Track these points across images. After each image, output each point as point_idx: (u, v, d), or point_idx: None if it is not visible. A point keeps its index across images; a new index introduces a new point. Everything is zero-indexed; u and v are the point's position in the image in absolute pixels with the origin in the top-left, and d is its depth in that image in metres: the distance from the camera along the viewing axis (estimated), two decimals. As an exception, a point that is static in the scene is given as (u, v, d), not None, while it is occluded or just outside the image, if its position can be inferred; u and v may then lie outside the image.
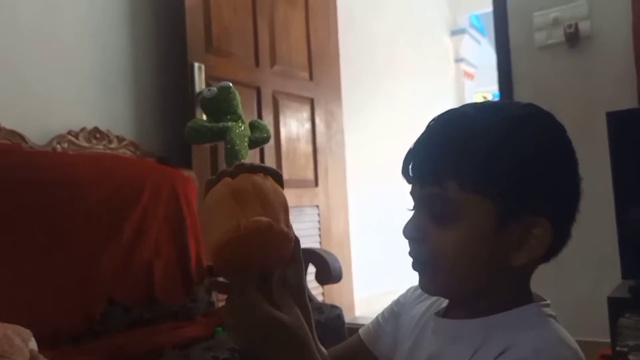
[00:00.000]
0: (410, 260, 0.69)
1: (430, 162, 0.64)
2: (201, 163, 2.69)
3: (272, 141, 3.08)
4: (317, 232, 3.39)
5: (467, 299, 0.68)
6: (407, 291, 0.84)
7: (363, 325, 0.89)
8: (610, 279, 2.30)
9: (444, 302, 0.74)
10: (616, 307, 2.07)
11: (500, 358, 0.58)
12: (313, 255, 2.17)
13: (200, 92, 0.82)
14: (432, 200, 0.64)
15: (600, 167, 2.36)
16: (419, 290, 0.82)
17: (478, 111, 0.65)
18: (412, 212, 0.68)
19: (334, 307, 2.07)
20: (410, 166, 0.67)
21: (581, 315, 2.50)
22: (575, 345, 0.61)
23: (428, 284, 0.69)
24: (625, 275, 2.18)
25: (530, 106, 0.67)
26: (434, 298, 0.77)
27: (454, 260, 0.63)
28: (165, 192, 2.29)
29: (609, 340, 2.12)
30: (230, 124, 0.72)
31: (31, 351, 1.27)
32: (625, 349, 1.98)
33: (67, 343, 1.67)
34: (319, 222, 3.40)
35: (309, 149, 3.35)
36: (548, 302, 0.68)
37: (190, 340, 1.71)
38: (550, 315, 0.66)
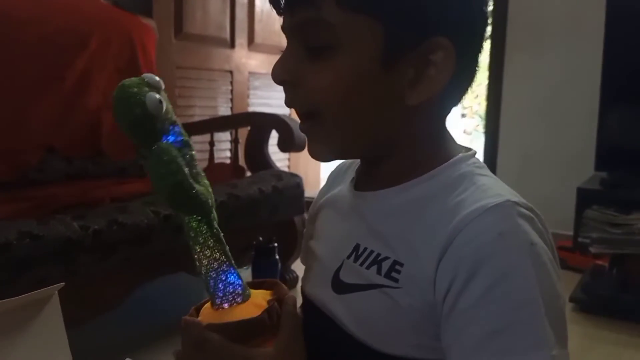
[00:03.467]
0: None
1: None
2: (163, 11, 2.44)
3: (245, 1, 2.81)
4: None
5: (372, 160, 0.55)
6: (327, 177, 0.70)
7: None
8: (583, 173, 2.25)
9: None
10: (585, 198, 2.04)
11: (454, 246, 0.45)
12: (276, 121, 2.02)
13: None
14: (305, 28, 0.50)
15: (591, 59, 2.28)
16: (337, 169, 0.69)
17: None
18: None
19: (293, 176, 1.97)
20: None
21: (548, 208, 2.49)
22: (528, 205, 0.48)
23: (317, 145, 0.55)
24: (599, 167, 2.13)
25: None
26: (347, 177, 0.63)
27: (338, 102, 0.50)
28: (118, 40, 2.06)
29: (570, 233, 2.11)
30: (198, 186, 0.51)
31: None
32: (588, 241, 1.97)
33: (-4, 188, 1.54)
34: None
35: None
36: (472, 150, 0.55)
37: (134, 195, 1.60)
38: (481, 168, 0.53)
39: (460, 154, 0.53)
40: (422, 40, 0.48)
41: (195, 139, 2.15)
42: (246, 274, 1.63)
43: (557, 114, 2.62)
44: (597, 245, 1.94)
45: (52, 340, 0.67)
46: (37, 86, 1.78)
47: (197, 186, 0.50)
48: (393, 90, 0.49)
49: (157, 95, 0.50)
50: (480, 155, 2.31)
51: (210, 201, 0.52)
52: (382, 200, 0.54)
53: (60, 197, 1.50)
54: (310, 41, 0.50)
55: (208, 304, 0.54)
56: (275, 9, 0.52)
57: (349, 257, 0.55)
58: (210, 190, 0.53)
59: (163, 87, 0.52)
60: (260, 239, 1.65)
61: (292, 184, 1.90)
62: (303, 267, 0.67)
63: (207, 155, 2.19)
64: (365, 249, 0.53)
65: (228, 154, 2.51)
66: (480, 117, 6.82)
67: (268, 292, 0.56)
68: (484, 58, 0.60)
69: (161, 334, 1.49)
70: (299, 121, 0.56)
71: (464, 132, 7.38)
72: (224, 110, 2.75)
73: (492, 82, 2.84)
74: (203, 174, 0.54)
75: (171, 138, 0.52)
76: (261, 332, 0.51)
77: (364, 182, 0.59)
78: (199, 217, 0.51)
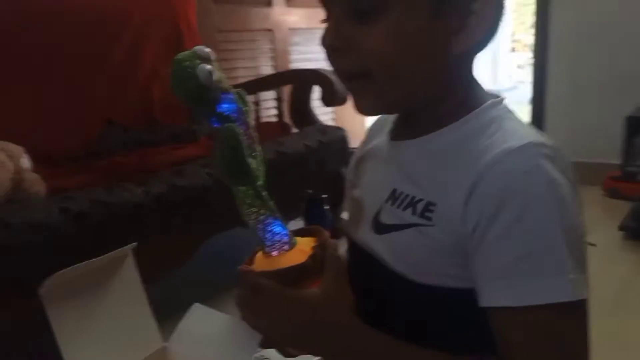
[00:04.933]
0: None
1: None
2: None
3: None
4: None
5: (415, 110, 0.59)
6: (367, 130, 0.74)
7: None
8: (631, 101, 2.19)
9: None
10: (634, 126, 1.99)
11: (482, 184, 0.50)
12: (318, 76, 2.05)
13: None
14: None
15: None
16: (377, 122, 0.72)
17: None
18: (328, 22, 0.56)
19: (338, 129, 2.02)
20: None
21: (595, 138, 2.45)
22: (551, 145, 0.51)
23: (368, 102, 0.58)
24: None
25: None
26: (385, 129, 0.67)
27: (392, 59, 0.53)
28: (160, 11, 2.14)
29: (619, 162, 2.08)
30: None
31: (16, 165, 1.26)
32: (636, 169, 1.94)
33: (63, 163, 1.67)
34: (331, 45, 3.22)
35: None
36: (500, 96, 0.58)
37: (189, 159, 1.69)
38: (509, 113, 0.57)
39: (490, 100, 0.57)
40: None
41: (242, 101, 2.23)
42: (299, 225, 1.71)
43: (607, 42, 2.52)
44: None
45: (131, 294, 0.75)
46: (91, 64, 1.90)
47: (251, 160, 0.55)
48: (439, 42, 0.53)
49: (208, 67, 0.53)
50: (528, 88, 2.27)
51: (259, 173, 0.57)
52: (417, 147, 0.59)
53: (122, 165, 1.61)
54: (359, 5, 0.52)
55: (260, 253, 0.61)
56: None
57: (387, 201, 0.59)
58: (261, 158, 0.58)
59: (214, 57, 0.55)
60: (310, 191, 1.72)
61: (337, 137, 1.95)
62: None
63: (253, 115, 2.27)
64: (402, 192, 0.58)
65: (274, 111, 2.58)
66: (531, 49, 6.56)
67: (312, 238, 0.62)
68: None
69: (226, 284, 1.62)
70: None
71: (518, 66, 7.12)
72: (267, 69, 2.80)
73: (540, 12, 2.73)
74: (256, 138, 0.58)
75: (225, 106, 0.56)
76: (307, 276, 0.57)
77: (400, 132, 0.63)
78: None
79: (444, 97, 0.57)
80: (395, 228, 0.57)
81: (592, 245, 1.85)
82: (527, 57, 7.04)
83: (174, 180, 1.46)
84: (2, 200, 1.23)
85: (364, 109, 0.59)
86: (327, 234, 0.62)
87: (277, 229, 0.58)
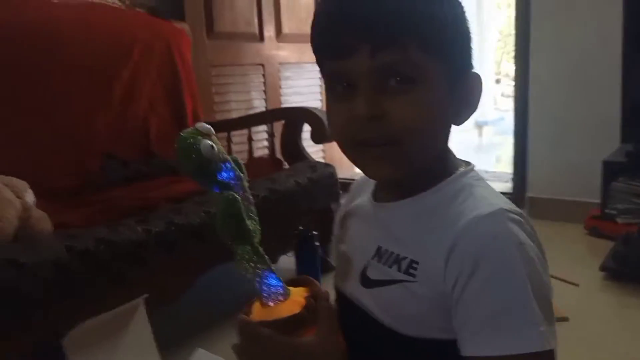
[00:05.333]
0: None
1: (386, 24, 0.56)
2: (194, 14, 2.58)
3: (270, -8, 2.91)
4: (319, 89, 3.33)
5: (414, 175, 0.64)
6: (351, 187, 0.82)
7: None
8: (610, 143, 2.28)
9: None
10: (611, 170, 2.08)
11: (458, 248, 0.57)
12: (308, 115, 2.15)
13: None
14: (389, 68, 0.57)
15: (612, 30, 2.27)
16: (360, 181, 0.79)
17: None
18: (354, 91, 0.59)
19: (327, 166, 2.11)
20: (341, 34, 0.58)
21: (575, 176, 2.52)
22: (517, 211, 0.59)
23: (390, 167, 0.61)
24: (625, 139, 2.15)
25: None
26: (367, 189, 0.74)
27: (423, 130, 0.59)
28: (158, 48, 2.23)
29: (599, 201, 2.17)
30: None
31: (23, 203, 1.32)
32: (614, 212, 2.03)
33: (66, 198, 1.74)
34: (320, 79, 3.33)
35: (312, 0, 3.17)
36: (471, 164, 0.67)
37: (185, 194, 1.77)
38: (478, 180, 0.65)
39: (461, 169, 0.65)
40: (467, 72, 0.63)
41: (234, 134, 2.32)
42: (290, 260, 1.80)
43: (585, 84, 2.57)
44: (623, 216, 2.00)
45: (142, 345, 0.80)
46: (90, 99, 1.97)
47: (249, 222, 0.62)
48: (451, 112, 0.62)
49: (209, 142, 0.59)
50: (511, 122, 2.28)
51: (257, 232, 0.64)
52: (399, 210, 0.66)
53: (122, 200, 1.69)
54: (393, 80, 0.58)
55: (257, 303, 0.66)
56: (334, 52, 0.59)
57: (373, 257, 0.66)
58: (257, 218, 0.65)
59: (214, 132, 0.61)
60: (301, 227, 1.81)
61: (326, 174, 2.04)
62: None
63: (246, 147, 2.36)
64: (386, 250, 0.65)
65: (265, 143, 2.67)
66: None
67: (304, 288, 0.68)
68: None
69: (221, 320, 1.70)
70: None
71: (502, 94, 7.28)
72: (259, 102, 2.89)
73: (519, 51, 2.81)
74: (251, 201, 0.65)
75: (224, 174, 0.62)
76: (302, 325, 0.63)
77: (381, 194, 0.71)
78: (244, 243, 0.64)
79: (432, 164, 0.64)
80: (382, 283, 0.64)
81: (575, 285, 1.89)
82: (511, 86, 7.19)
83: (171, 217, 1.53)
84: (9, 238, 1.29)
85: (383, 173, 0.63)
86: (317, 284, 0.69)
87: (273, 281, 0.63)
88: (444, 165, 0.65)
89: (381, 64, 0.57)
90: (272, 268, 0.64)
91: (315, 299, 0.65)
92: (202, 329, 1.72)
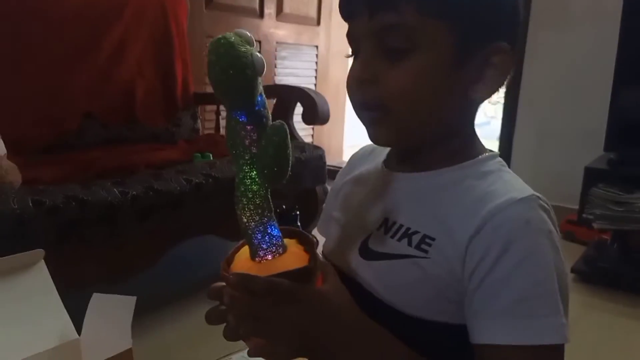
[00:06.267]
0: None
1: None
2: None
3: (273, -32, 2.84)
4: (314, 73, 3.26)
5: (421, 146, 0.61)
6: (349, 160, 0.77)
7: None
8: (593, 151, 2.29)
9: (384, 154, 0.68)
10: (591, 176, 2.11)
11: (486, 229, 0.53)
12: (301, 94, 2.08)
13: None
14: (385, 31, 0.54)
15: (606, 43, 2.28)
16: (360, 152, 0.76)
17: None
18: (354, 57, 0.59)
19: (316, 148, 2.05)
20: None
21: (557, 182, 2.55)
22: (546, 200, 0.55)
23: (383, 133, 0.60)
24: (608, 147, 2.17)
25: None
26: (377, 157, 0.69)
27: (413, 98, 0.56)
28: (152, 10, 2.14)
29: (577, 207, 2.17)
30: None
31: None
32: (591, 217, 2.04)
33: (39, 154, 1.65)
34: (316, 63, 3.26)
35: (315, -18, 3.09)
36: (495, 152, 0.63)
37: (167, 162, 1.70)
38: (505, 166, 0.62)
39: (487, 153, 0.61)
40: (487, 44, 0.55)
41: (223, 108, 2.24)
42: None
43: (574, 95, 2.64)
44: (599, 221, 2.04)
45: (43, 298, 0.71)
46: (75, 56, 1.87)
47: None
48: (458, 88, 0.57)
49: (261, 55, 0.48)
50: (499, 124, 2.31)
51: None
52: (415, 181, 0.61)
53: (100, 161, 1.60)
54: (390, 43, 0.55)
55: (239, 260, 0.56)
56: (344, 14, 0.58)
57: (378, 228, 0.61)
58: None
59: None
60: (284, 207, 1.74)
61: (315, 155, 1.98)
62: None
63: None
64: (395, 222, 0.60)
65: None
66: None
67: (294, 240, 0.58)
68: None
69: (191, 291, 1.63)
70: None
71: (489, 101, 7.32)
72: (251, 79, 2.81)
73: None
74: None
75: (259, 98, 0.52)
76: (311, 278, 0.54)
77: (395, 163, 0.66)
78: (253, 175, 0.52)
79: (448, 139, 0.60)
80: (387, 257, 0.59)
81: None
82: (499, 94, 7.23)
83: (151, 182, 1.46)
84: (-26, 186, 1.21)
85: (377, 138, 0.61)
86: (307, 234, 0.59)
87: (275, 231, 0.54)
88: (466, 145, 0.61)
89: (378, 26, 0.55)
90: (273, 214, 0.54)
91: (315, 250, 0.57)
92: (171, 299, 1.66)
